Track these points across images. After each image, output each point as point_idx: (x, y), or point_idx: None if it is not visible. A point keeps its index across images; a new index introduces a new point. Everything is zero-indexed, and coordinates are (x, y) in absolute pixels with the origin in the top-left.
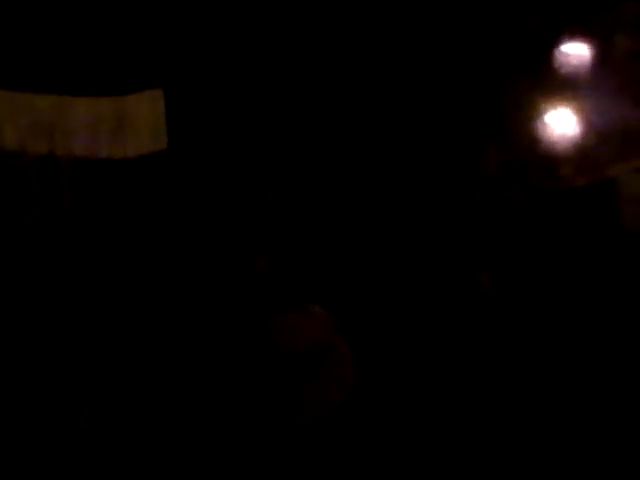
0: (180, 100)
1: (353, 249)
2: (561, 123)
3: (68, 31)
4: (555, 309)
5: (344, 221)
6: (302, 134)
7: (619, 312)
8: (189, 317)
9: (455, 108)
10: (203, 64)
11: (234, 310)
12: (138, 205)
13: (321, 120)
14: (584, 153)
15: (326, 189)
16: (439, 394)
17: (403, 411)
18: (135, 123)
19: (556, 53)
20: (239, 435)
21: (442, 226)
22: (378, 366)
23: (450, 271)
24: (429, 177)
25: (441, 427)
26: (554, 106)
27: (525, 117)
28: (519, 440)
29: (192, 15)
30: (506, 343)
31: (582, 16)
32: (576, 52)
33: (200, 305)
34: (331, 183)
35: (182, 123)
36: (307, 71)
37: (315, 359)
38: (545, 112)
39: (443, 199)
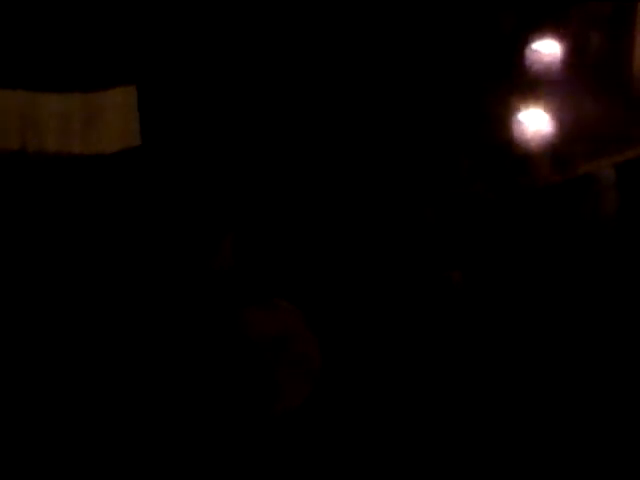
0: (154, 96)
1: (322, 244)
2: (534, 121)
3: (39, 26)
4: (529, 306)
5: (313, 214)
6: (274, 130)
7: (595, 308)
8: (158, 312)
9: (428, 106)
10: (176, 60)
11: (199, 304)
12: (111, 201)
13: (293, 116)
14: (558, 150)
15: (295, 182)
16: (411, 389)
17: (372, 402)
18: (107, 119)
19: (529, 51)
20: (217, 431)
21: (415, 222)
22: (347, 357)
23: (423, 269)
24: (402, 174)
25: (410, 419)
26: (527, 104)
27: (498, 114)
28: (485, 429)
29: (166, 10)
30: (479, 340)
31: (554, 14)
32: (548, 50)
33: (167, 300)
34: (300, 176)
35: (155, 120)
36: (281, 70)
37: (280, 349)
38: (518, 110)
39: (416, 196)
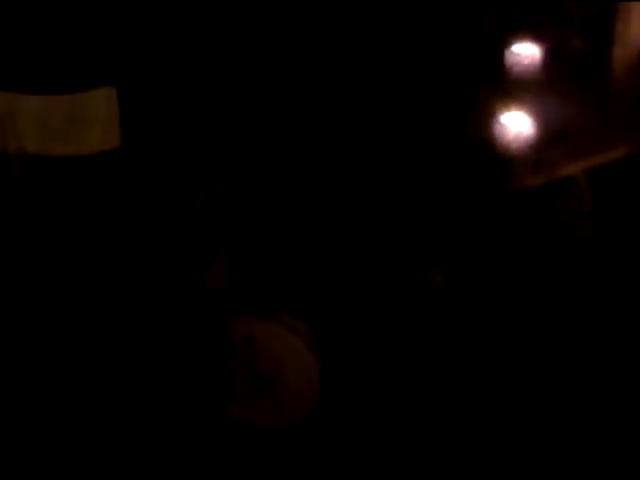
0: (135, 98)
1: (307, 248)
2: (515, 123)
3: (19, 27)
4: (509, 308)
5: (298, 219)
6: (259, 132)
7: (571, 311)
8: (142, 313)
9: (409, 108)
10: (157, 61)
11: (191, 312)
12: (90, 203)
13: (279, 117)
14: (539, 153)
15: (281, 186)
16: (400, 393)
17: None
18: (88, 121)
19: (509, 54)
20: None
21: (396, 225)
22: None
23: (404, 270)
24: (384, 176)
25: (408, 429)
26: (507, 107)
27: (478, 117)
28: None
29: (146, 11)
30: (462, 342)
31: (534, 16)
32: (528, 52)
33: (152, 304)
34: (287, 180)
35: (136, 121)
36: (261, 68)
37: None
38: (499, 112)
39: (395, 198)
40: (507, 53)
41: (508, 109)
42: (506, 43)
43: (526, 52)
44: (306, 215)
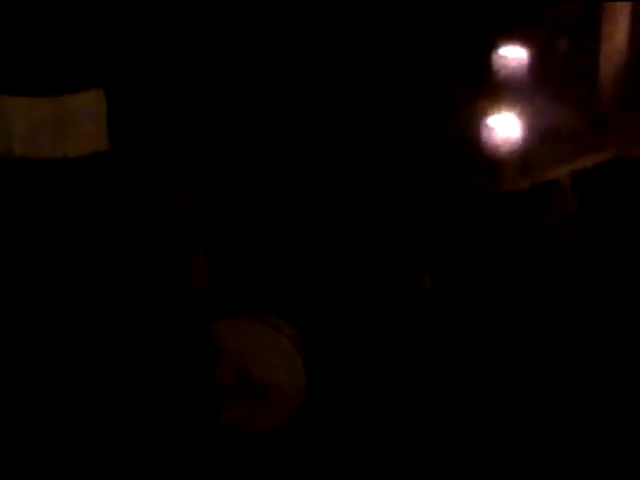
0: (123, 101)
1: (297, 250)
2: (504, 126)
3: (7, 29)
4: (496, 310)
5: (287, 222)
6: (243, 135)
7: (558, 312)
8: (125, 317)
9: (397, 110)
10: (145, 64)
11: (175, 314)
12: (78, 205)
13: (265, 120)
14: (527, 156)
15: (264, 188)
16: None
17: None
18: (76, 124)
19: (497, 56)
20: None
21: (384, 227)
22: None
23: (392, 273)
24: (371, 178)
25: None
26: (496, 109)
27: (467, 120)
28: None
29: (135, 14)
30: (449, 344)
31: (521, 18)
32: (516, 55)
33: (135, 306)
34: (269, 182)
35: (125, 124)
36: (245, 74)
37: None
38: (487, 115)
39: (385, 199)
40: (494, 56)
41: (495, 112)
42: (493, 46)
43: (513, 55)
44: (295, 218)
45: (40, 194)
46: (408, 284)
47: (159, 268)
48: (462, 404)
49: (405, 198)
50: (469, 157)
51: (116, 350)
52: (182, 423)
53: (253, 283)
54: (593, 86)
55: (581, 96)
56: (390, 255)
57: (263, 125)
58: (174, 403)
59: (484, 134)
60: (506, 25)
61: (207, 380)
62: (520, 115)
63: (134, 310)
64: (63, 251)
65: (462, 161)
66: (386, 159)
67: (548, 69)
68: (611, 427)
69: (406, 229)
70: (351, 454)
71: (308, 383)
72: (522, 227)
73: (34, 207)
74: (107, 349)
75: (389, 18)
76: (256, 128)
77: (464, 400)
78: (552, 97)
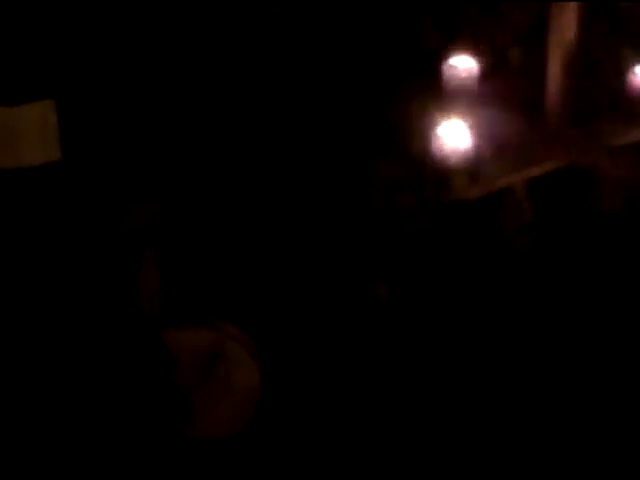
0: (74, 111)
1: (243, 261)
2: (453, 135)
3: None
4: (454, 319)
5: (234, 232)
6: (199, 144)
7: (511, 322)
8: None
9: (346, 118)
10: (96, 73)
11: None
12: (30, 215)
13: (221, 129)
14: (476, 165)
15: (217, 197)
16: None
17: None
18: (27, 134)
19: (447, 65)
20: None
21: (336, 237)
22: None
23: (346, 283)
24: (321, 188)
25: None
26: (446, 118)
27: (417, 129)
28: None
29: (85, 23)
30: (405, 354)
31: (473, 28)
32: (466, 64)
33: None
34: (222, 192)
35: (76, 134)
36: (200, 83)
37: (213, 371)
38: (437, 124)
39: (333, 210)
40: (444, 65)
41: (445, 121)
42: (443, 55)
43: (463, 65)
44: (247, 227)
45: None
46: (363, 293)
47: (109, 278)
48: (415, 409)
49: (355, 206)
50: (419, 166)
51: (61, 362)
52: (150, 436)
53: (205, 293)
54: (543, 95)
55: (532, 105)
56: (344, 264)
57: (212, 130)
58: (137, 415)
59: (433, 143)
60: (456, 34)
61: (170, 389)
62: (470, 124)
63: (79, 321)
64: (9, 260)
65: (412, 170)
66: (335, 167)
67: (498, 79)
68: (593, 432)
69: (359, 238)
70: (308, 458)
71: (263, 387)
72: (475, 236)
73: None
74: (50, 359)
75: (337, 23)
76: (205, 134)
77: (417, 404)
78: (502, 107)
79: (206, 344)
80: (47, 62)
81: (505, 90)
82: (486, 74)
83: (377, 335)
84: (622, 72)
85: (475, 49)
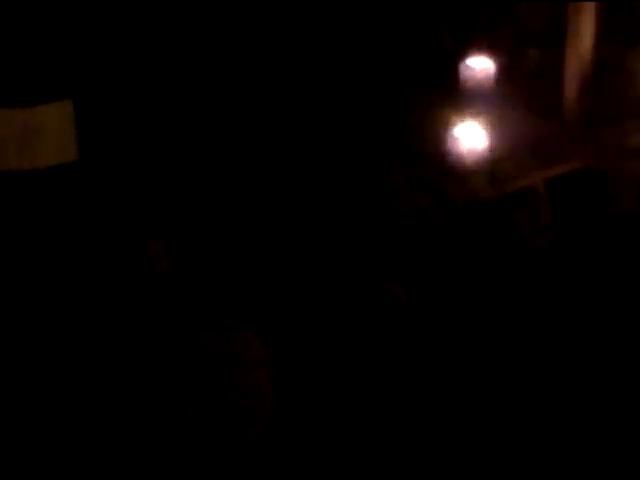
0: (91, 112)
1: (266, 266)
2: (470, 136)
3: None
4: (469, 316)
5: (257, 237)
6: (216, 147)
7: (530, 320)
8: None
9: (365, 121)
10: (112, 75)
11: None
12: (47, 215)
13: (226, 127)
14: (494, 165)
15: (237, 201)
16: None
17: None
18: (44, 135)
19: (465, 66)
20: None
21: (356, 238)
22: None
23: (365, 282)
24: (338, 189)
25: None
26: (463, 119)
27: (434, 130)
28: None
29: (100, 26)
30: (423, 351)
31: (490, 30)
32: (484, 65)
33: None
34: (242, 196)
35: (93, 135)
36: (207, 85)
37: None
38: (454, 125)
39: (355, 211)
40: (462, 66)
41: (462, 122)
42: (461, 57)
43: (480, 66)
44: (270, 228)
45: (9, 204)
46: (382, 292)
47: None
48: (435, 408)
49: (373, 207)
50: (436, 167)
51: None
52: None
53: (224, 300)
54: (560, 97)
55: (548, 106)
56: (363, 264)
57: (231, 143)
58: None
59: (451, 144)
60: (473, 36)
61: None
62: (487, 125)
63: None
64: (32, 256)
65: (429, 171)
66: (353, 169)
67: (515, 80)
68: (574, 430)
69: (377, 239)
70: (326, 462)
71: (277, 398)
72: (492, 236)
73: (3, 216)
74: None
75: (360, 28)
76: (220, 130)
77: (437, 404)
78: (519, 107)
79: (223, 350)
80: (65, 63)
81: (522, 91)
82: (503, 75)
83: (395, 334)
84: (638, 74)
85: (492, 51)
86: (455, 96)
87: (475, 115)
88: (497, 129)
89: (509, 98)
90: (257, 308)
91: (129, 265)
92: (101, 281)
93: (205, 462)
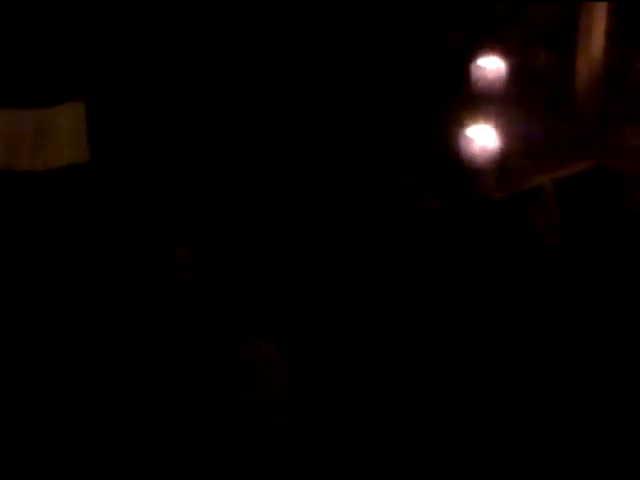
0: (103, 113)
1: (286, 265)
2: (482, 136)
3: None
4: (480, 309)
5: (277, 236)
6: (226, 142)
7: (540, 317)
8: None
9: (377, 122)
10: (124, 76)
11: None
12: (59, 216)
13: (243, 130)
14: (505, 165)
15: (253, 199)
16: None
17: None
18: (56, 135)
19: (476, 67)
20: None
21: (371, 233)
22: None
23: (379, 270)
24: (355, 188)
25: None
26: (475, 120)
27: (446, 130)
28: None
29: (112, 28)
30: (437, 342)
31: (501, 31)
32: (495, 66)
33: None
34: (258, 195)
35: (105, 136)
36: (219, 88)
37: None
38: (466, 125)
39: (370, 209)
40: (473, 67)
41: (473, 122)
42: (472, 57)
43: (492, 66)
44: (287, 220)
45: (21, 204)
46: (395, 280)
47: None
48: (447, 397)
49: (383, 209)
50: (447, 167)
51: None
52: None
53: (239, 308)
54: (571, 97)
55: (559, 107)
56: (377, 254)
57: (244, 131)
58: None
59: (462, 144)
60: (485, 36)
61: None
62: (498, 126)
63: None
64: (47, 256)
65: (440, 171)
66: (365, 169)
67: (526, 79)
68: (576, 430)
69: (390, 237)
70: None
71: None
72: (502, 235)
73: (16, 217)
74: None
75: (370, 32)
76: (238, 133)
77: (448, 393)
78: (530, 107)
79: (239, 359)
80: (77, 64)
81: (533, 91)
82: (514, 75)
83: (407, 319)
84: None
85: (503, 51)
86: (466, 96)
87: (486, 115)
88: (508, 129)
89: (520, 98)
90: (273, 315)
91: (155, 269)
92: (121, 284)
93: (219, 472)
